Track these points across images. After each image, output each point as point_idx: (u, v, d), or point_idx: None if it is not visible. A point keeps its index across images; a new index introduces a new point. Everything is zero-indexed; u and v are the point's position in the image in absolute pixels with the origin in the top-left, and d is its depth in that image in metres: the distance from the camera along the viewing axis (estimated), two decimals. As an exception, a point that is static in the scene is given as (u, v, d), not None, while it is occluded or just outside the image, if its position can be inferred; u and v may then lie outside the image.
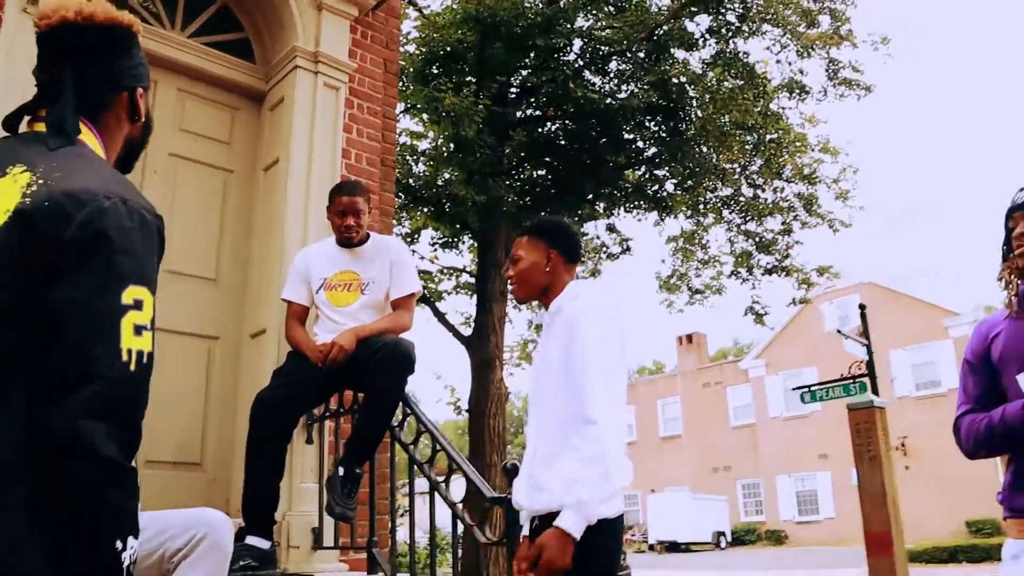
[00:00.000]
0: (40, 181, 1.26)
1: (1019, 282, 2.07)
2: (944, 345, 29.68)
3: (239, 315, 4.35)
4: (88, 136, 1.44)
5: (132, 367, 1.21)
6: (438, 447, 3.17)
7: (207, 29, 4.60)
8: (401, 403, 3.41)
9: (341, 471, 3.29)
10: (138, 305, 1.24)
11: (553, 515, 2.19)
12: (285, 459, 3.41)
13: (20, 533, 1.13)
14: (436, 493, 3.15)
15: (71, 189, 1.24)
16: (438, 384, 51.99)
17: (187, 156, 4.40)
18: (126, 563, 1.18)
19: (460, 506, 3.06)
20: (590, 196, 12.36)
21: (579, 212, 12.86)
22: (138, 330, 1.23)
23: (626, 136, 11.83)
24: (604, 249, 14.78)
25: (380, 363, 3.31)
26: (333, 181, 4.35)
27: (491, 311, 11.31)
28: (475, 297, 12.48)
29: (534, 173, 12.60)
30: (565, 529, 2.08)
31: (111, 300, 1.21)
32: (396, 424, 3.48)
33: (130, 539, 1.19)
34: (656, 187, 13.16)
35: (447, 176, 11.25)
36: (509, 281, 2.61)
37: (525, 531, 2.42)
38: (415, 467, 3.33)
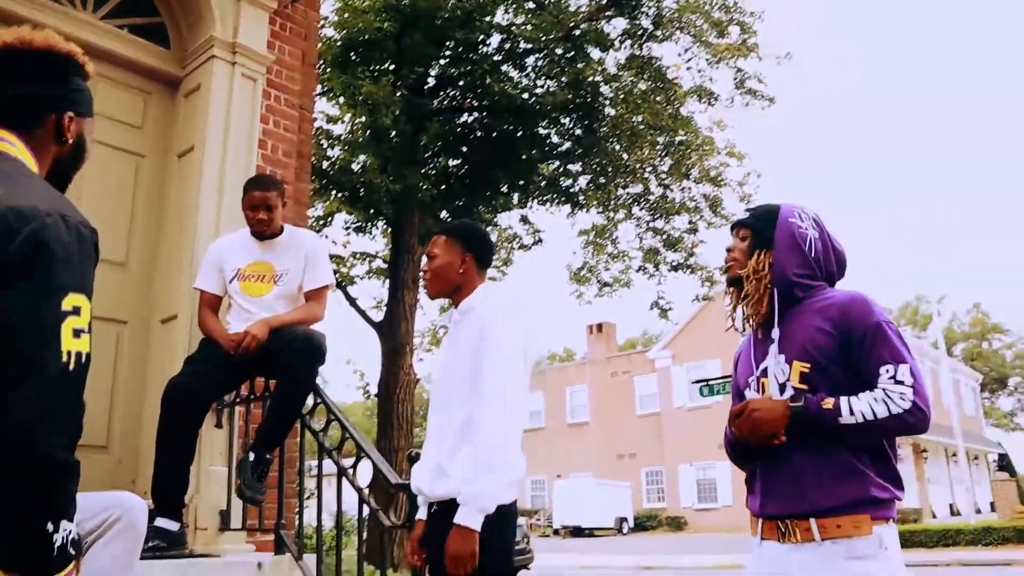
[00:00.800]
0: None
1: (733, 297, 2.31)
2: None
3: (149, 300, 4.40)
4: (23, 153, 1.57)
5: (71, 367, 1.37)
6: (346, 434, 3.35)
7: (121, 12, 4.59)
8: (312, 391, 3.56)
9: (252, 456, 3.43)
10: (76, 311, 1.40)
11: (452, 501, 2.42)
12: (196, 444, 3.52)
13: None
14: (344, 478, 3.33)
15: (16, 205, 1.39)
16: (347, 368, 51.47)
17: (98, 140, 4.38)
18: (58, 543, 1.34)
19: (366, 491, 3.25)
20: (504, 188, 12.61)
21: (493, 203, 13.11)
22: (76, 333, 1.39)
23: (541, 131, 12.12)
24: (517, 239, 15.10)
25: (292, 354, 3.45)
26: (249, 171, 4.45)
27: (402, 298, 11.44)
28: (387, 283, 12.58)
29: (449, 163, 12.77)
30: (465, 525, 2.32)
31: (52, 307, 1.37)
32: (306, 412, 3.63)
33: (63, 522, 1.35)
34: (569, 182, 13.52)
35: (362, 162, 11.29)
36: (423, 276, 2.79)
37: (422, 515, 2.63)
38: (324, 453, 3.50)
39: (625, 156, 12.33)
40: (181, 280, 4.20)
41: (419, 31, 10.25)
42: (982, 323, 54.97)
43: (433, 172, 12.21)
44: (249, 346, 3.49)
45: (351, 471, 3.32)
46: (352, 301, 13.00)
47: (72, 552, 1.39)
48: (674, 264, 14.13)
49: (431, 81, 11.95)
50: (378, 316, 12.98)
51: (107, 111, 4.47)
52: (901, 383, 1.94)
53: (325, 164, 11.47)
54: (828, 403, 1.96)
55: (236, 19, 4.66)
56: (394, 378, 10.99)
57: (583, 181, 13.58)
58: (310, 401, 3.65)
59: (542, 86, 11.63)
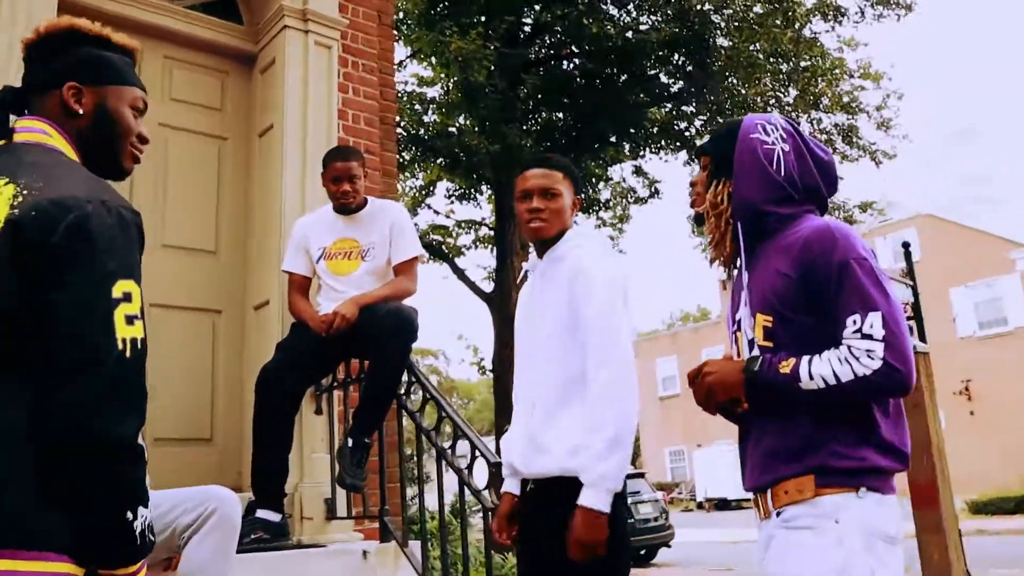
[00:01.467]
0: (25, 192, 1.44)
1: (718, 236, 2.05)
2: (1010, 280, 29.23)
3: (241, 287, 4.56)
4: (60, 141, 1.61)
5: (128, 354, 1.41)
6: (442, 414, 3.36)
7: (191, -9, 4.73)
8: (405, 369, 3.60)
9: (350, 442, 3.50)
10: (127, 297, 1.44)
11: (553, 479, 2.32)
12: (292, 431, 3.63)
13: (38, 507, 1.35)
14: (443, 460, 3.35)
15: (55, 197, 1.43)
16: (460, 344, 52.35)
17: (178, 125, 4.56)
18: (139, 529, 1.41)
19: (466, 471, 3.26)
20: (613, 138, 12.38)
21: (603, 155, 12.91)
22: (130, 320, 1.43)
23: (648, 72, 11.80)
24: (631, 193, 14.84)
25: (381, 331, 3.49)
26: (330, 144, 4.50)
27: (512, 265, 11.47)
28: (495, 251, 12.64)
29: (552, 116, 12.63)
30: (595, 508, 2.19)
31: (103, 296, 1.41)
32: (403, 392, 3.67)
33: (140, 509, 1.42)
34: (683, 125, 13.14)
35: (459, 125, 11.33)
36: (538, 214, 2.49)
37: (510, 488, 2.51)
38: (422, 434, 3.53)
39: (743, 90, 11.83)
40: (271, 264, 4.32)
41: (507, -24, 10.12)
42: None
43: (535, 128, 12.11)
44: (338, 326, 3.55)
45: (450, 451, 3.33)
46: (460, 273, 13.15)
47: (151, 539, 1.46)
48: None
49: (525, 30, 11.82)
50: (488, 287, 13.09)
51: (185, 95, 4.63)
52: (869, 337, 1.69)
53: (421, 130, 11.57)
54: (786, 366, 1.76)
55: (305, -16, 4.70)
56: (508, 351, 11.05)
57: (698, 123, 13.16)
58: (405, 381, 3.68)
59: (645, 23, 11.28)
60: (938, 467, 7.75)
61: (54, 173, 1.51)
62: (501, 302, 11.49)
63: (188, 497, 2.54)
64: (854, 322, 1.72)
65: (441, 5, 10.48)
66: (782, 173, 1.92)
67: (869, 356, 1.69)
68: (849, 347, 1.71)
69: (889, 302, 1.73)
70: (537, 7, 11.44)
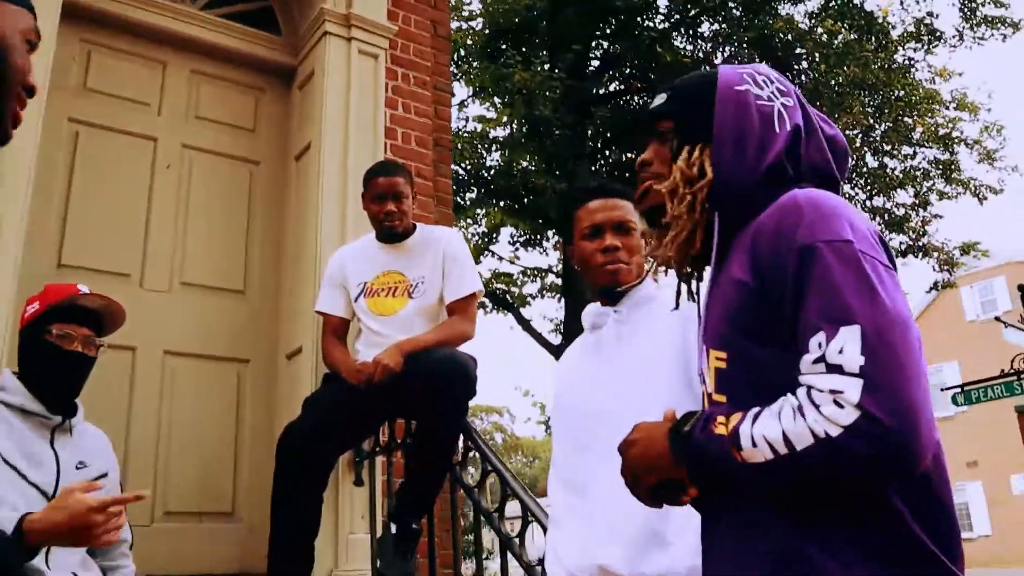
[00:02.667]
0: None
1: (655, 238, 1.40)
2: None
3: (273, 332, 3.91)
4: None
5: None
6: (507, 490, 2.62)
7: (223, 1, 4.20)
8: (461, 433, 2.88)
9: (393, 528, 2.79)
10: None
11: None
12: (320, 510, 2.93)
13: None
14: (508, 550, 2.60)
15: None
16: (526, 400, 51.34)
17: (204, 147, 4.00)
18: None
19: (539, 568, 2.50)
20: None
21: (676, 196, 12.16)
22: None
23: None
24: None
25: (432, 384, 2.79)
26: (375, 166, 3.88)
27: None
28: (563, 300, 11.91)
29: (622, 156, 11.95)
30: None
31: None
32: (458, 460, 2.95)
33: None
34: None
35: (524, 164, 10.73)
36: (614, 253, 1.96)
37: None
38: (480, 515, 2.79)
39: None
40: (305, 305, 3.68)
41: (572, 5, 9.56)
42: None
43: (604, 167, 11.44)
44: (380, 378, 2.85)
45: (518, 540, 2.57)
46: (526, 323, 12.43)
47: None
48: (902, 248, 12.49)
49: (592, 63, 11.23)
50: (556, 339, 12.34)
51: (214, 114, 4.09)
52: (836, 369, 1.01)
53: (484, 172, 11.00)
54: (723, 425, 1.10)
55: (349, -13, 4.14)
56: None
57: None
58: (461, 447, 2.96)
59: (723, 51, 10.59)
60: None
61: None
62: (570, 353, 10.71)
63: None
64: (818, 345, 1.04)
65: (503, 38, 9.96)
66: (785, 139, 1.27)
67: (836, 402, 1.00)
68: (808, 389, 1.04)
69: (877, 308, 1.03)
70: (606, 38, 10.86)
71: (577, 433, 1.98)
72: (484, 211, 11.79)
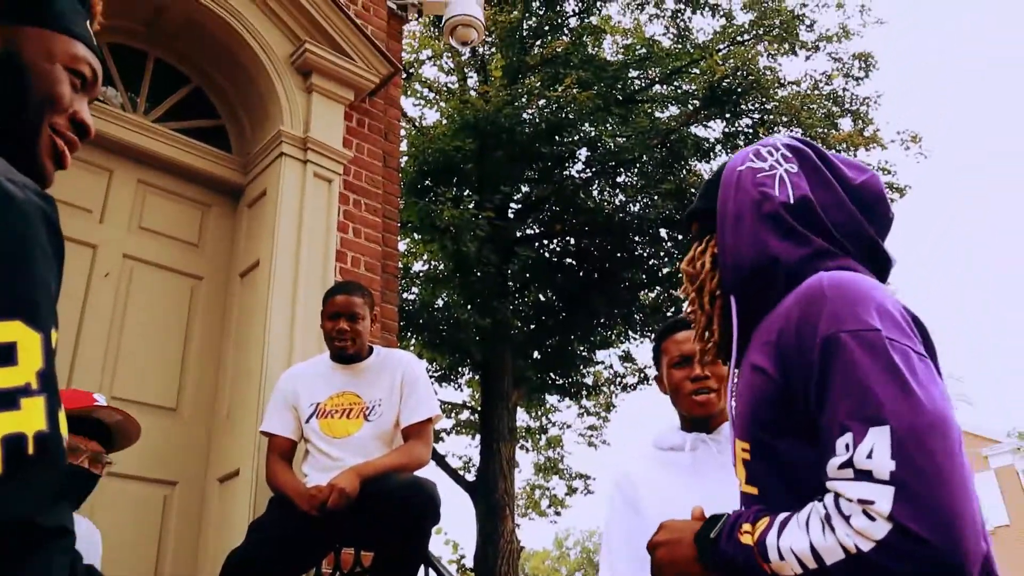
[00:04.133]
0: None
1: None
2: (985, 476, 28.03)
3: (203, 453, 3.69)
4: None
5: None
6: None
7: (175, 115, 4.18)
8: (424, 563, 2.72)
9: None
10: (3, 355, 0.69)
11: None
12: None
13: None
14: None
15: None
16: (438, 539, 49.31)
17: (146, 259, 3.86)
18: None
19: None
20: (603, 320, 11.88)
21: (591, 338, 12.34)
22: (8, 399, 0.69)
23: (639, 252, 11.50)
24: (619, 380, 14.17)
25: (395, 512, 2.65)
26: (325, 287, 3.81)
27: (498, 451, 10.53)
28: (478, 437, 11.72)
29: (540, 296, 12.15)
30: None
31: None
32: (416, 594, 2.77)
33: None
34: (672, 308, 12.72)
35: (445, 299, 10.77)
36: (704, 382, 1.99)
37: None
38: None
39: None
40: (245, 425, 3.50)
41: (500, 148, 9.92)
42: None
43: (523, 307, 11.58)
44: (336, 504, 2.69)
45: None
46: (440, 460, 12.14)
47: None
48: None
49: (514, 206, 11.57)
50: (469, 477, 12.07)
51: (159, 226, 3.98)
52: (866, 475, 0.92)
53: (402, 305, 10.97)
54: (750, 533, 1.03)
55: (307, 112, 4.19)
56: (493, 547, 9.91)
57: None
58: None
59: (639, 200, 11.08)
60: None
61: None
62: (485, 492, 10.45)
63: None
64: (845, 447, 0.95)
65: (431, 177, 10.19)
66: (789, 199, 1.19)
67: (867, 514, 0.90)
68: (836, 497, 0.95)
69: (909, 404, 0.93)
70: (529, 185, 11.23)
71: None
72: (402, 344, 11.68)
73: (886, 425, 0.92)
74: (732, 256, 1.20)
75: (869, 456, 0.91)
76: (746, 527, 1.04)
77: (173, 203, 4.06)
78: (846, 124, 11.65)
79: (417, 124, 11.54)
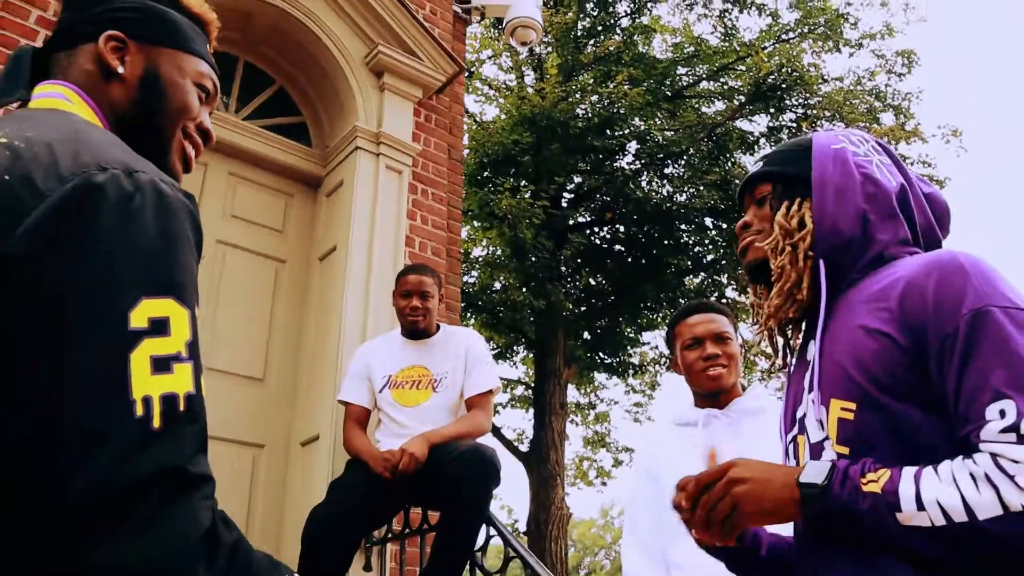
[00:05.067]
0: (2, 140, 0.79)
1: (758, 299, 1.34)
2: None
3: (288, 419, 3.83)
4: (83, 109, 0.98)
5: (156, 423, 0.73)
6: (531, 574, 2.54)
7: (262, 113, 4.31)
8: (485, 522, 2.81)
9: (413, 610, 2.67)
10: (159, 327, 0.77)
11: None
12: (342, 592, 2.80)
13: None
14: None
15: (45, 160, 0.80)
16: (494, 504, 49.64)
17: (236, 243, 4.01)
18: None
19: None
20: (650, 303, 11.85)
21: (638, 321, 12.32)
22: (160, 365, 0.76)
23: (685, 240, 11.44)
24: (664, 360, 14.12)
25: (460, 474, 2.73)
26: (396, 270, 3.91)
27: (550, 425, 10.62)
28: (531, 411, 11.82)
29: (591, 280, 12.16)
30: None
31: (111, 323, 0.75)
32: (478, 548, 2.86)
33: None
34: (716, 293, 12.62)
35: (501, 282, 10.86)
36: (715, 360, 2.11)
37: None
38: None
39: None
40: (324, 395, 3.63)
41: (556, 141, 9.93)
42: None
43: (575, 290, 11.62)
44: (407, 467, 2.79)
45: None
46: (496, 431, 12.27)
47: None
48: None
49: (567, 195, 11.58)
50: (522, 448, 12.18)
51: (247, 214, 4.11)
52: None
53: (463, 287, 11.10)
54: (874, 481, 0.99)
55: (380, 109, 4.28)
56: (545, 513, 10.02)
57: (731, 293, 12.65)
58: (482, 535, 2.87)
59: (686, 191, 11.01)
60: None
61: (53, 124, 0.87)
62: (538, 462, 10.55)
63: None
64: (1001, 413, 0.94)
65: (490, 168, 10.26)
66: (889, 189, 1.22)
67: None
68: (994, 457, 0.93)
69: None
70: (581, 176, 11.23)
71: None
72: (463, 323, 11.83)
73: None
74: (832, 224, 1.20)
75: None
76: (871, 476, 1.00)
77: (260, 193, 4.20)
78: (887, 119, 11.40)
79: (478, 119, 11.61)
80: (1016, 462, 0.91)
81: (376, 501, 2.92)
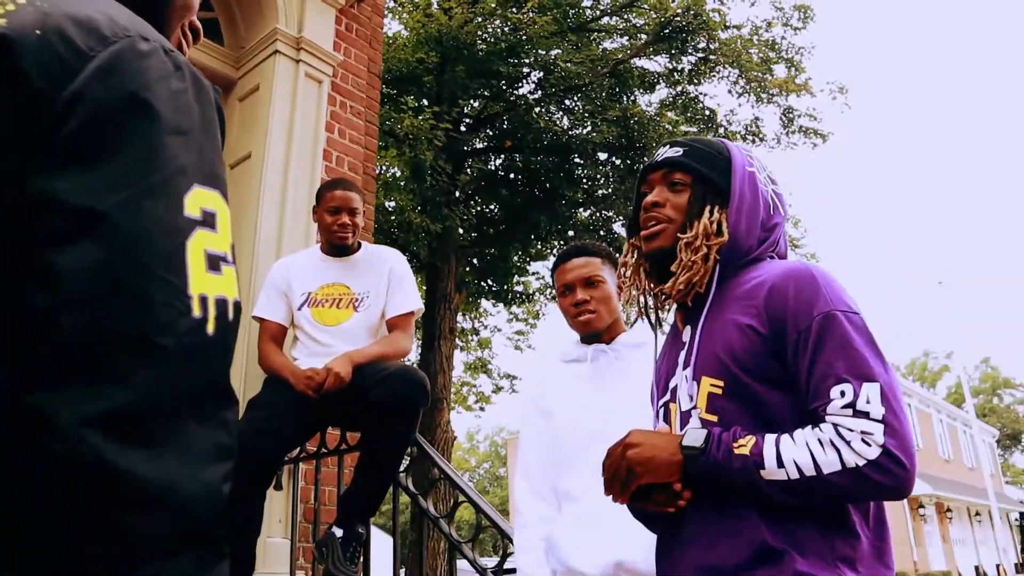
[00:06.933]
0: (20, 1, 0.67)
1: (649, 282, 1.51)
2: None
3: (195, 334, 3.66)
4: None
5: (210, 329, 0.65)
6: (460, 499, 2.56)
7: (171, 3, 3.97)
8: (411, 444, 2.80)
9: (338, 532, 2.64)
10: (210, 220, 0.68)
11: None
12: (263, 510, 2.74)
13: None
14: (458, 552, 2.53)
15: (79, 15, 0.67)
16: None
17: (141, 144, 3.72)
18: None
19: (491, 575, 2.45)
20: (542, 234, 11.96)
21: (530, 250, 12.43)
22: (214, 262, 0.67)
23: (579, 173, 11.53)
24: (549, 290, 14.37)
25: (391, 396, 2.70)
26: (313, 183, 3.77)
27: (438, 349, 10.65)
28: (421, 333, 11.81)
29: (485, 208, 12.12)
30: None
31: (167, 208, 0.65)
32: (402, 470, 2.86)
33: None
34: (603, 229, 12.88)
35: (394, 203, 10.64)
36: (583, 306, 2.12)
37: None
38: (429, 522, 2.71)
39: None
40: (235, 309, 3.46)
41: (461, 63, 9.70)
42: (993, 379, 53.73)
43: (469, 216, 11.55)
44: (332, 386, 2.73)
45: (470, 546, 2.51)
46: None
47: None
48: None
49: (468, 120, 11.38)
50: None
51: (150, 113, 3.80)
52: (864, 415, 1.19)
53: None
54: (743, 446, 1.23)
55: (301, 13, 4.04)
56: (430, 436, 10.12)
57: (618, 228, 12.93)
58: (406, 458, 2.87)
59: (585, 125, 11.05)
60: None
61: None
62: (425, 384, 10.59)
63: None
64: (841, 393, 1.21)
65: (393, 86, 9.92)
66: (769, 218, 1.45)
67: (864, 441, 1.18)
68: (836, 426, 1.20)
69: (888, 373, 1.24)
70: (484, 101, 11.05)
71: (568, 449, 2.02)
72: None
73: (876, 383, 1.21)
74: (741, 238, 1.40)
75: (868, 402, 1.19)
76: (741, 441, 1.24)
77: (166, 91, 3.90)
78: (780, 71, 11.77)
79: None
80: (851, 431, 1.19)
81: (297, 420, 2.85)
